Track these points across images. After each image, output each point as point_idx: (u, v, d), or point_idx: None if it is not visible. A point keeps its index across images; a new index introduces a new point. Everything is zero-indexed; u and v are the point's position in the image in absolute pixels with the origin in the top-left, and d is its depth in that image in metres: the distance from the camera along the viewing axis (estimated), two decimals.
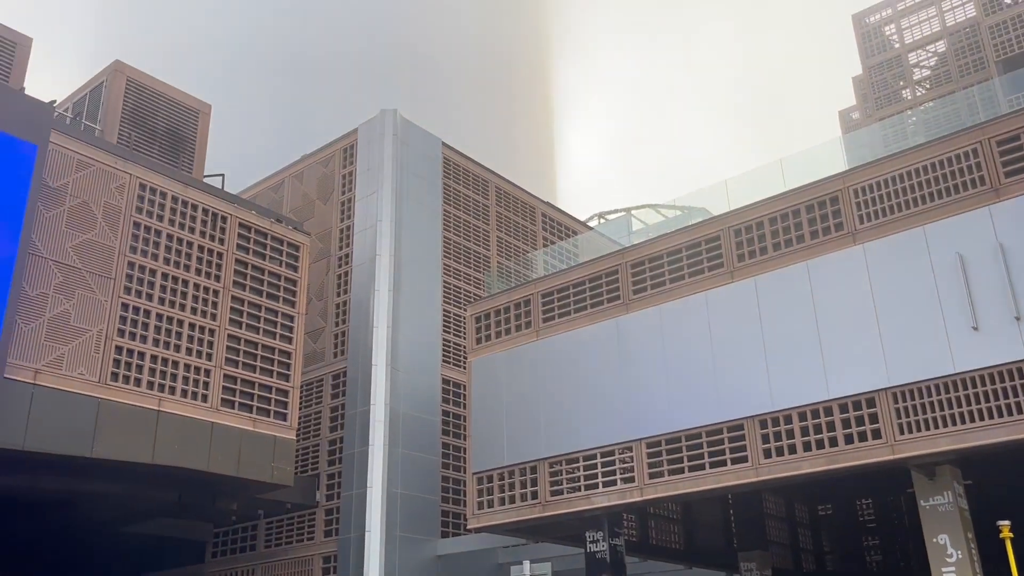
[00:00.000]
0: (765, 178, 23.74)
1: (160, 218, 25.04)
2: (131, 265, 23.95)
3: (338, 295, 33.22)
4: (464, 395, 31.80)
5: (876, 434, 19.49)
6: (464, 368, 31.56)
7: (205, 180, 28.63)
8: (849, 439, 19.83)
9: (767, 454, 20.93)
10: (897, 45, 59.50)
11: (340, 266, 33.56)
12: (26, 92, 23.83)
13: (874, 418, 19.61)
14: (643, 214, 47.12)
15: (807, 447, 20.38)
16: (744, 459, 21.24)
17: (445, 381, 32.41)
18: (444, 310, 33.59)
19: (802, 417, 20.65)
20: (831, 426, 20.17)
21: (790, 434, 20.70)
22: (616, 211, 52.77)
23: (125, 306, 23.53)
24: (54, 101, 24.63)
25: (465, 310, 31.95)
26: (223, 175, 29.07)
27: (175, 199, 25.56)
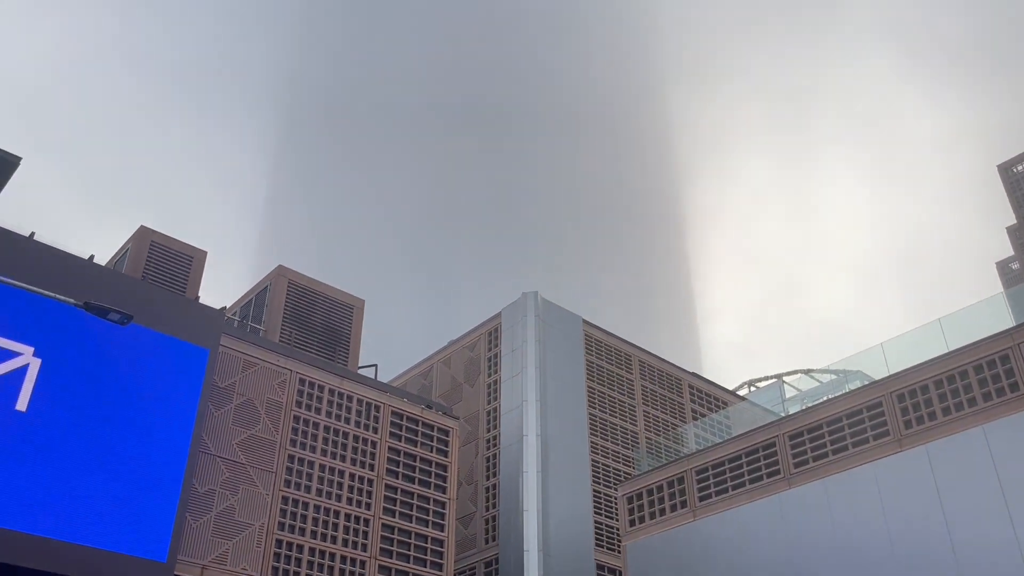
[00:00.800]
0: (924, 339, 22.64)
1: (318, 411, 26.09)
2: (291, 458, 24.83)
3: (487, 478, 33.14)
4: None
5: None
6: (619, 552, 30.36)
7: (359, 371, 29.87)
8: None
9: None
10: None
11: (488, 448, 33.67)
12: (200, 300, 25.97)
13: None
14: (796, 380, 45.47)
15: None
16: None
17: (600, 567, 31.19)
18: (594, 491, 32.83)
19: None
20: None
21: None
22: (767, 378, 51.14)
23: (285, 499, 24.23)
24: (224, 308, 26.65)
25: (616, 490, 31.12)
26: (376, 365, 30.26)
27: (332, 391, 26.68)
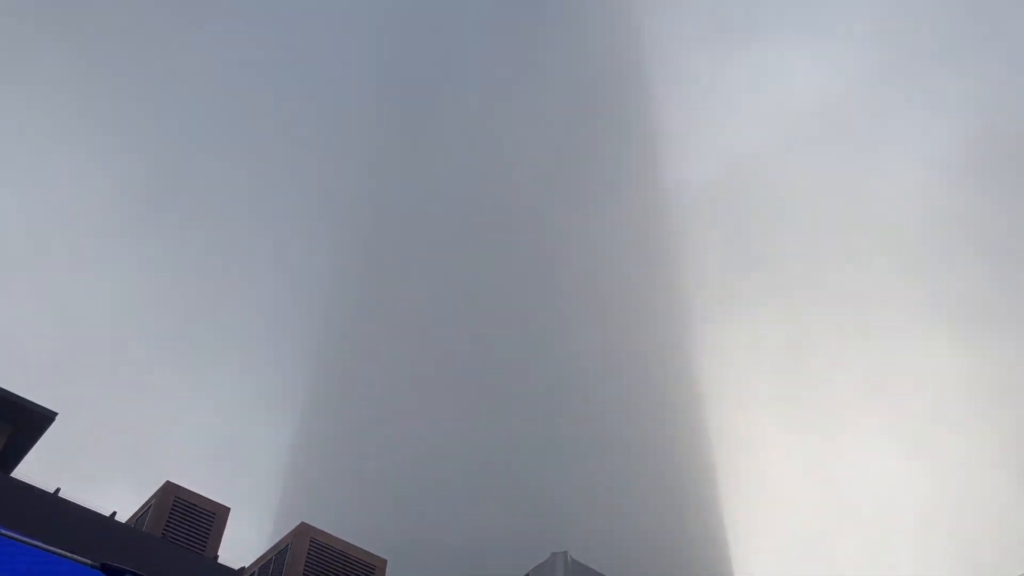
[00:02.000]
0: None
1: None
2: None
3: None
4: None
5: None
6: None
7: None
8: None
9: None
10: None
11: None
12: (219, 558, 25.16)
13: None
14: None
15: None
16: None
17: None
18: None
19: None
20: None
21: None
22: None
23: None
24: (243, 568, 25.75)
25: None
26: None
27: None
